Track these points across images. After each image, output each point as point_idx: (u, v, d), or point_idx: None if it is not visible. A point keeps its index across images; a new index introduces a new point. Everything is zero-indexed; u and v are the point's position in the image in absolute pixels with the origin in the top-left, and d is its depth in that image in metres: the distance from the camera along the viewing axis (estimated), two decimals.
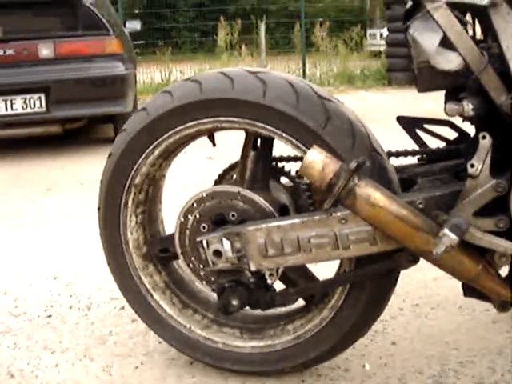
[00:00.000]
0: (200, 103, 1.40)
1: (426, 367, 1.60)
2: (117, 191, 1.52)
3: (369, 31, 12.81)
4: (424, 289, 2.06)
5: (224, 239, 1.38)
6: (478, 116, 1.19)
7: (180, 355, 1.67)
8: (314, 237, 1.30)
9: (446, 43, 1.20)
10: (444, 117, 1.37)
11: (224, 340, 1.57)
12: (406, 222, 1.19)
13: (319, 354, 1.49)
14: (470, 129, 1.44)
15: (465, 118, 1.22)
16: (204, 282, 1.51)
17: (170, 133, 1.45)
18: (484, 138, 1.17)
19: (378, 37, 12.01)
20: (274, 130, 1.37)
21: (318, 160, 1.20)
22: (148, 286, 1.59)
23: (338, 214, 1.28)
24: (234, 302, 1.43)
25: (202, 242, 1.41)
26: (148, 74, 9.46)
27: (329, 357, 1.52)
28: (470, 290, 1.37)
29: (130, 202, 1.54)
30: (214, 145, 1.56)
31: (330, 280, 1.41)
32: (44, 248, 2.66)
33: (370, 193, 1.19)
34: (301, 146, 1.36)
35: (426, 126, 1.57)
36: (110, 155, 1.54)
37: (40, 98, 4.14)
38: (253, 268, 1.37)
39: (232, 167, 1.61)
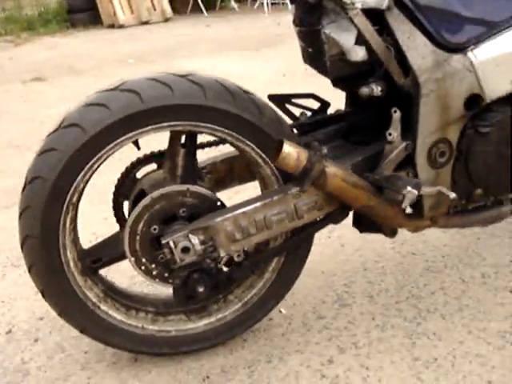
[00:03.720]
0: (143, 113, 1.42)
1: (324, 296, 1.96)
2: (55, 214, 1.44)
3: None
4: None
5: (191, 235, 1.48)
6: (386, 95, 1.53)
7: (118, 355, 1.70)
8: (274, 214, 1.51)
9: (356, 40, 1.50)
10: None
11: (176, 327, 1.67)
12: (356, 187, 1.49)
13: (266, 312, 1.73)
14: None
15: (374, 98, 1.54)
16: (157, 281, 1.58)
17: (111, 145, 1.43)
18: (395, 111, 1.52)
19: None
20: (217, 127, 1.48)
21: (292, 151, 1.40)
22: (94, 300, 1.57)
23: (293, 190, 1.51)
24: (200, 289, 1.55)
25: (168, 242, 1.48)
26: None
27: (272, 309, 1.76)
28: (364, 228, 1.76)
29: (67, 222, 1.48)
30: (139, 149, 1.59)
31: (280, 246, 1.64)
32: None
33: (334, 170, 1.45)
34: (241, 138, 1.51)
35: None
36: (35, 178, 1.43)
37: None
38: (222, 254, 1.51)
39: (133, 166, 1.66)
